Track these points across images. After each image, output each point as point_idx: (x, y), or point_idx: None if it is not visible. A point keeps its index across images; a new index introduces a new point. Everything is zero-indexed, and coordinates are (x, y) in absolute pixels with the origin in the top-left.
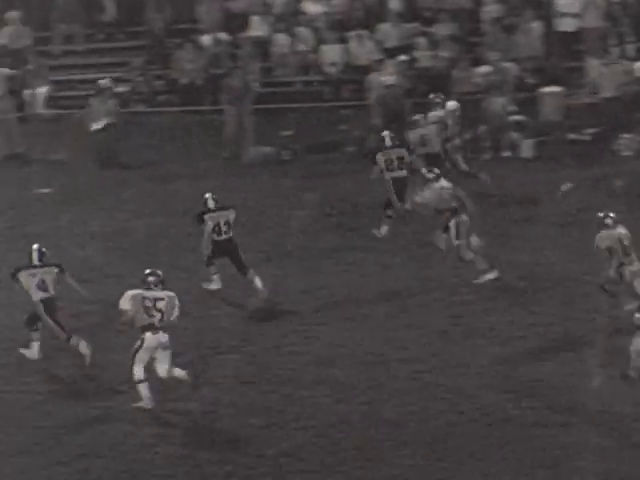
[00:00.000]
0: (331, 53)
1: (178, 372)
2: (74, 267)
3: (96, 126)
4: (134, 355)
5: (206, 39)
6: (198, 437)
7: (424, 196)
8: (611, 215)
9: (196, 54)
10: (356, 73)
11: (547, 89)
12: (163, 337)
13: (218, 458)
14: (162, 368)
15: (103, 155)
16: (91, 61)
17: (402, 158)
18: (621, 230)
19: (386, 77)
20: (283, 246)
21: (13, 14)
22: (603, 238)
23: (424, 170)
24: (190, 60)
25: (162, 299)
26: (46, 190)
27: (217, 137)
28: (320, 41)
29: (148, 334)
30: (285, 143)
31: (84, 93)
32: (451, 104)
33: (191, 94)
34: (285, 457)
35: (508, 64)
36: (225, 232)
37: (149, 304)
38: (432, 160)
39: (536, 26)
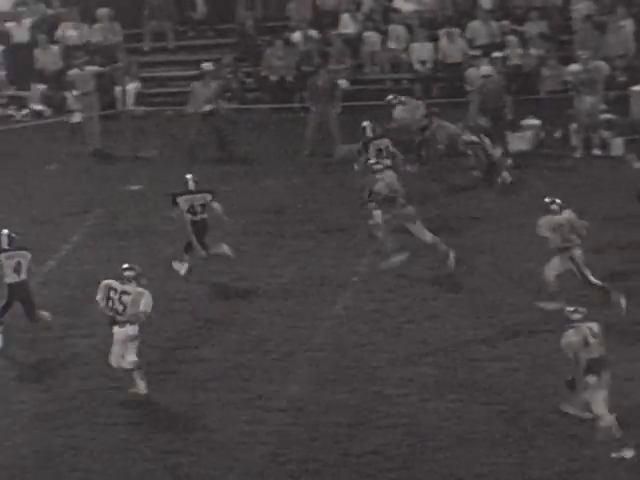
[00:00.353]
0: (421, 51)
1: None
2: (163, 264)
3: (202, 109)
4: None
5: (296, 36)
6: (284, 435)
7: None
8: (557, 201)
9: (286, 51)
10: (446, 71)
11: (638, 87)
12: (131, 330)
13: (304, 456)
14: (129, 359)
15: (212, 139)
16: (181, 58)
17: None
18: (567, 216)
19: (484, 68)
20: (371, 246)
21: (104, 11)
22: (549, 222)
23: (372, 161)
24: (280, 57)
25: (128, 294)
26: (136, 187)
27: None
28: (410, 39)
29: (115, 328)
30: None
31: (174, 90)
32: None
33: (281, 91)
34: (371, 455)
35: (599, 62)
36: (200, 213)
37: (114, 296)
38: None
39: (627, 24)
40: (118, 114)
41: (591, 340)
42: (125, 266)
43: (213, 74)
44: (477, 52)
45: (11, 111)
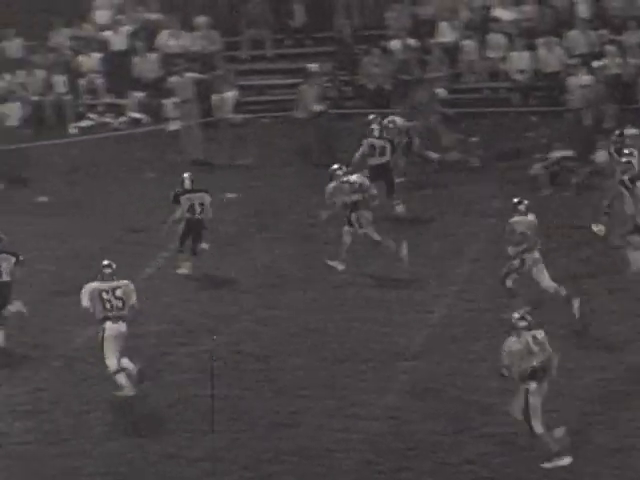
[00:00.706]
0: (520, 60)
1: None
2: (261, 273)
3: (313, 110)
4: (101, 348)
5: (394, 45)
6: (378, 444)
7: (327, 190)
8: (525, 202)
9: (384, 60)
10: (544, 80)
11: None
12: (123, 327)
13: (398, 465)
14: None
15: (317, 145)
16: (279, 66)
17: None
18: (531, 218)
19: (584, 78)
20: (469, 253)
21: (202, 19)
22: (518, 223)
23: (334, 167)
24: (378, 66)
25: (119, 287)
26: (232, 195)
27: None
28: (509, 48)
29: (108, 323)
30: (472, 149)
31: (272, 98)
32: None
33: (379, 99)
34: (469, 465)
35: None
36: (198, 212)
37: (106, 295)
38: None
39: None
40: (216, 122)
41: (534, 348)
42: (104, 263)
43: (318, 77)
44: (575, 61)
45: (109, 119)
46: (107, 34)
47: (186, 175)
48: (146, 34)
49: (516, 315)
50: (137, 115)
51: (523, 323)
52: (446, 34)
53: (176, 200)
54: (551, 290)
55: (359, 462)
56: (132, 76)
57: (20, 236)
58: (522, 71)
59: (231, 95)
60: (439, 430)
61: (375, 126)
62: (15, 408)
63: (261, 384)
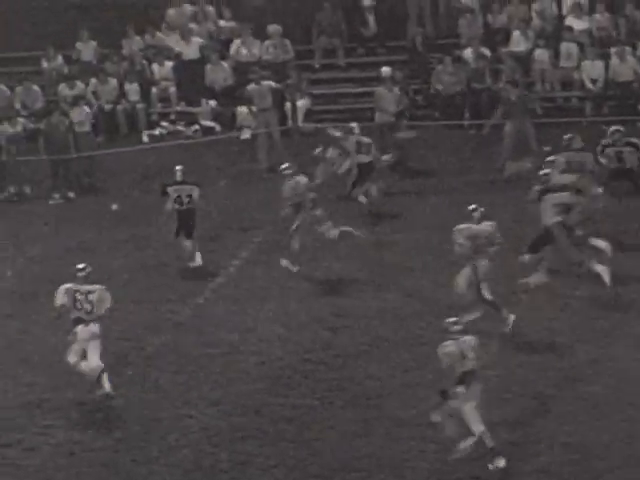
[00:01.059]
0: (592, 69)
1: (95, 362)
2: (332, 280)
3: (391, 113)
4: (70, 348)
5: (467, 53)
6: (450, 453)
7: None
8: (481, 209)
9: (456, 68)
10: (617, 89)
11: None
12: (94, 327)
13: (469, 474)
14: (91, 359)
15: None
16: (351, 75)
17: None
18: (485, 227)
19: None
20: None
21: (274, 27)
22: (464, 231)
23: (283, 165)
24: (450, 74)
25: (93, 292)
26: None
27: (476, 151)
28: (582, 57)
29: (80, 327)
30: (545, 158)
31: (344, 107)
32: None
33: (451, 108)
34: (538, 474)
35: None
36: (186, 203)
37: (80, 297)
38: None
39: None
40: (288, 130)
41: (468, 353)
42: (79, 267)
43: (392, 80)
44: None
45: (181, 127)
46: (180, 43)
47: (178, 167)
48: (218, 43)
49: (450, 320)
50: (209, 123)
51: (457, 327)
52: (519, 43)
53: (164, 191)
54: (488, 300)
55: (432, 471)
56: (204, 84)
57: (91, 244)
58: (595, 80)
59: (303, 104)
60: (509, 438)
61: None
62: (86, 416)
63: (332, 393)
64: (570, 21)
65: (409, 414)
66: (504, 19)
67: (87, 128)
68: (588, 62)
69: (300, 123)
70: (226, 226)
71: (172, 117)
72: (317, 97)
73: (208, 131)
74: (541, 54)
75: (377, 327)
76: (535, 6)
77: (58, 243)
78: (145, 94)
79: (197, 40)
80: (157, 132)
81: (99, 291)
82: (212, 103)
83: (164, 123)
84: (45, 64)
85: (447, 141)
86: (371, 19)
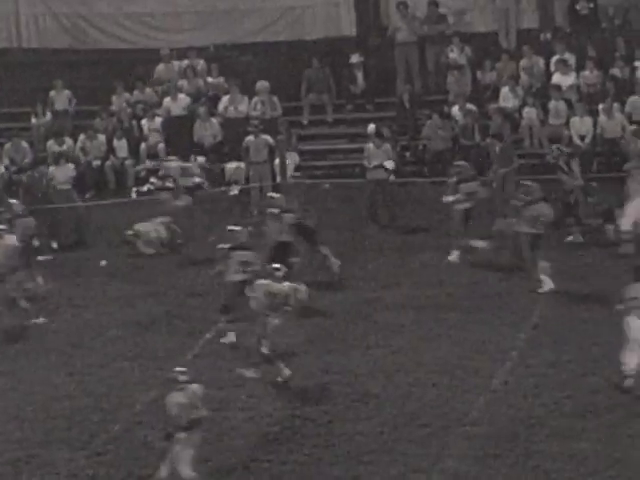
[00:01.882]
0: (581, 125)
1: None
2: (321, 337)
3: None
4: None
5: (455, 110)
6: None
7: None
8: (285, 269)
9: (444, 125)
10: (605, 145)
11: None
12: None
13: None
14: None
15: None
16: (340, 131)
17: None
18: (285, 288)
19: None
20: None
21: (263, 84)
22: (263, 288)
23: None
24: (439, 130)
25: None
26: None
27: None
28: (570, 113)
29: None
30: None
31: (332, 163)
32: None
33: (439, 165)
34: None
35: None
36: None
37: None
38: None
39: None
40: (277, 186)
41: (197, 402)
42: None
43: (380, 137)
44: (636, 127)
45: (170, 183)
46: (167, 99)
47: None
48: (207, 99)
49: (178, 369)
50: (198, 179)
51: (184, 377)
52: (508, 99)
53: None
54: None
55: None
56: (193, 140)
57: (80, 301)
58: (583, 137)
59: (292, 159)
60: None
61: None
62: (75, 472)
63: (321, 449)
64: (557, 78)
65: (398, 471)
66: (494, 76)
67: (68, 186)
68: (577, 119)
69: (290, 179)
70: (215, 282)
71: (161, 173)
72: (305, 153)
73: (197, 187)
74: (529, 111)
75: (365, 383)
76: (523, 63)
77: (47, 299)
78: (134, 150)
79: (185, 96)
80: (145, 188)
81: None
82: (201, 159)
83: (153, 179)
84: (34, 120)
85: (435, 197)
86: (359, 76)
